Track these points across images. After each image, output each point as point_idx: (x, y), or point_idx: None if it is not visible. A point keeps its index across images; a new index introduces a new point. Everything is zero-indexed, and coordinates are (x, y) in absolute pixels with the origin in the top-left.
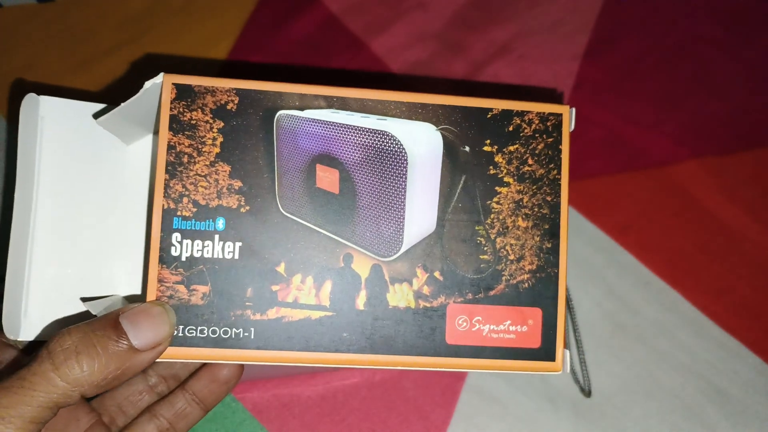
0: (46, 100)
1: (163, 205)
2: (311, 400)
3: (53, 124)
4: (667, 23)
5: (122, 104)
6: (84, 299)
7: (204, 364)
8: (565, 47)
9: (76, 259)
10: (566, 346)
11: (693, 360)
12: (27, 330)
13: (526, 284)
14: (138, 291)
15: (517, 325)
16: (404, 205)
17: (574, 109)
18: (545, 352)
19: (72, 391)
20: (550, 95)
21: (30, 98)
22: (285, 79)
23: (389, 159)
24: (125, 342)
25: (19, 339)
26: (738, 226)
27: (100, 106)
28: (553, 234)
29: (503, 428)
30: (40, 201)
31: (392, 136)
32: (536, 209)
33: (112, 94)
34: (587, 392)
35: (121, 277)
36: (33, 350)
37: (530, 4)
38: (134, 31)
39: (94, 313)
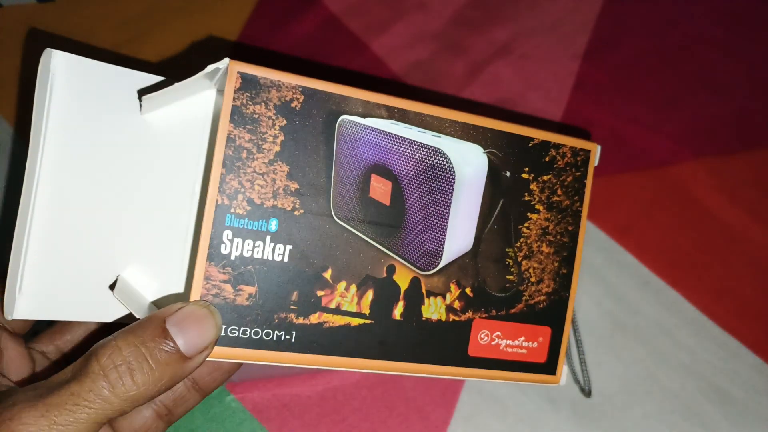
0: (58, 55)
1: (217, 200)
2: (311, 399)
3: (64, 84)
4: (668, 23)
5: (176, 84)
6: (112, 287)
7: None
8: (565, 47)
9: (78, 234)
10: (564, 362)
11: (693, 360)
12: (21, 308)
13: (542, 305)
14: (143, 270)
15: (529, 342)
16: (447, 221)
17: (600, 147)
18: (549, 367)
19: (127, 406)
20: (577, 132)
21: (47, 54)
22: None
23: (439, 175)
24: (175, 351)
25: (12, 317)
26: (738, 226)
27: (119, 69)
28: (569, 261)
29: (503, 428)
30: (43, 169)
31: (444, 153)
32: (559, 237)
33: (123, 57)
34: (587, 392)
35: (125, 256)
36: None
37: (530, 4)
38: (134, 31)
39: (130, 309)
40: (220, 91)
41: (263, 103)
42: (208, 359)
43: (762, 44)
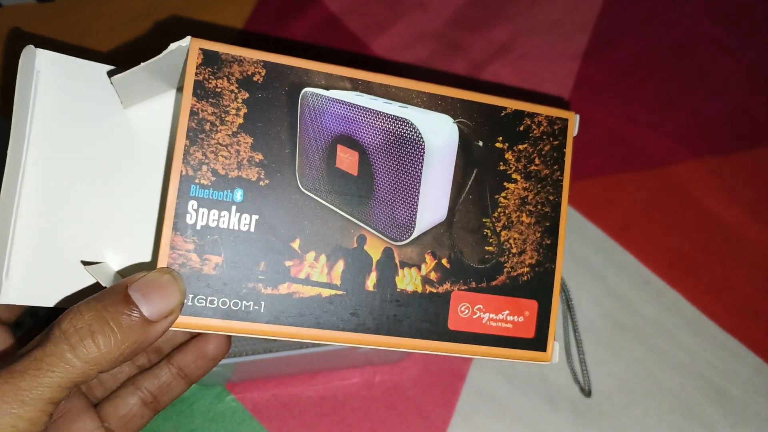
0: (43, 53)
1: (182, 171)
2: (311, 399)
3: (49, 81)
4: (667, 23)
5: (142, 64)
6: (85, 263)
7: (191, 339)
8: (565, 47)
9: (63, 223)
10: (554, 338)
11: (692, 359)
12: (7, 293)
13: (525, 277)
14: (129, 256)
15: (514, 315)
16: (419, 192)
17: (578, 116)
18: (538, 343)
19: (90, 369)
20: (557, 102)
21: (28, 51)
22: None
23: (408, 146)
24: (137, 315)
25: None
26: (738, 225)
27: (102, 66)
28: (553, 231)
29: (503, 428)
30: (29, 160)
31: (412, 124)
32: (539, 207)
33: (120, 57)
34: (587, 392)
35: (108, 243)
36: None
37: (530, 3)
38: (133, 31)
39: (97, 278)
40: (180, 89)
41: (225, 78)
42: (189, 332)
43: (761, 44)
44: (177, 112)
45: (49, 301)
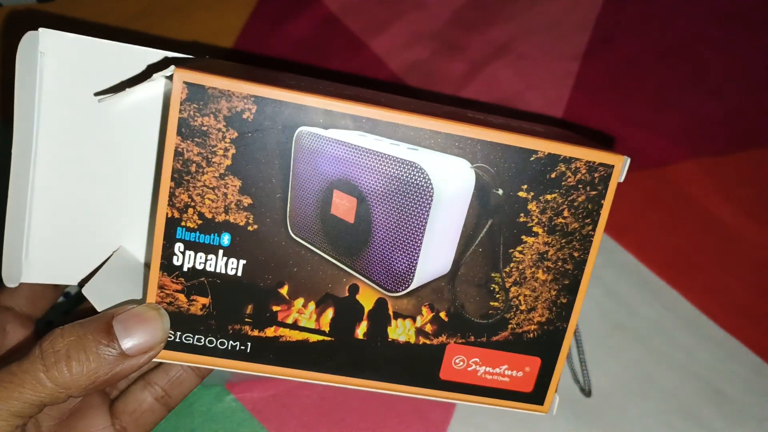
0: (47, 34)
1: (167, 213)
2: (311, 399)
3: (55, 61)
4: (666, 23)
5: (126, 90)
6: (81, 283)
7: None
8: (564, 47)
9: (78, 206)
10: (556, 390)
11: (691, 359)
12: (29, 273)
13: (532, 334)
14: (141, 242)
15: (513, 370)
16: (421, 242)
17: (628, 159)
18: (535, 397)
19: (60, 392)
20: (601, 138)
21: (30, 36)
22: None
23: (413, 193)
24: (115, 348)
25: (20, 282)
26: (736, 225)
27: (108, 42)
28: (571, 290)
29: (502, 428)
30: (40, 145)
31: (421, 168)
32: (560, 263)
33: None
34: (587, 392)
35: (124, 227)
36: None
37: (529, 3)
38: (132, 31)
39: (91, 301)
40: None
41: (212, 115)
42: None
43: (759, 44)
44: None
45: (67, 279)
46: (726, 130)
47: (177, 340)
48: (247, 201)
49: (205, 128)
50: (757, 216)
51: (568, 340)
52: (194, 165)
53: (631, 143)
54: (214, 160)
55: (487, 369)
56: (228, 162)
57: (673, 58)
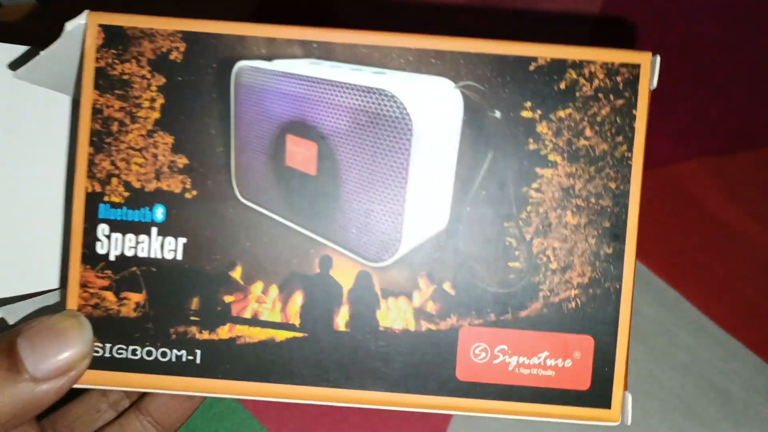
0: None
1: (87, 187)
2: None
3: None
4: (668, 22)
5: (41, 53)
6: (1, 302)
7: None
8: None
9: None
10: (627, 388)
11: (693, 359)
12: None
13: (573, 303)
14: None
15: (557, 359)
16: (405, 191)
17: (658, 57)
18: (597, 397)
19: None
20: (620, 35)
21: None
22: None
23: (387, 129)
24: (22, 373)
25: None
26: (738, 226)
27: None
28: (616, 236)
29: (504, 428)
30: None
31: (392, 96)
32: (593, 200)
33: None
34: None
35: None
36: None
37: (528, 3)
38: None
39: (10, 323)
40: None
41: (134, 60)
42: (95, 387)
43: (762, 43)
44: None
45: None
46: (730, 130)
47: (107, 354)
48: (182, 161)
49: (126, 77)
50: (761, 216)
51: (628, 306)
52: (116, 123)
53: None
54: (139, 114)
55: (521, 360)
56: (156, 115)
57: (676, 57)
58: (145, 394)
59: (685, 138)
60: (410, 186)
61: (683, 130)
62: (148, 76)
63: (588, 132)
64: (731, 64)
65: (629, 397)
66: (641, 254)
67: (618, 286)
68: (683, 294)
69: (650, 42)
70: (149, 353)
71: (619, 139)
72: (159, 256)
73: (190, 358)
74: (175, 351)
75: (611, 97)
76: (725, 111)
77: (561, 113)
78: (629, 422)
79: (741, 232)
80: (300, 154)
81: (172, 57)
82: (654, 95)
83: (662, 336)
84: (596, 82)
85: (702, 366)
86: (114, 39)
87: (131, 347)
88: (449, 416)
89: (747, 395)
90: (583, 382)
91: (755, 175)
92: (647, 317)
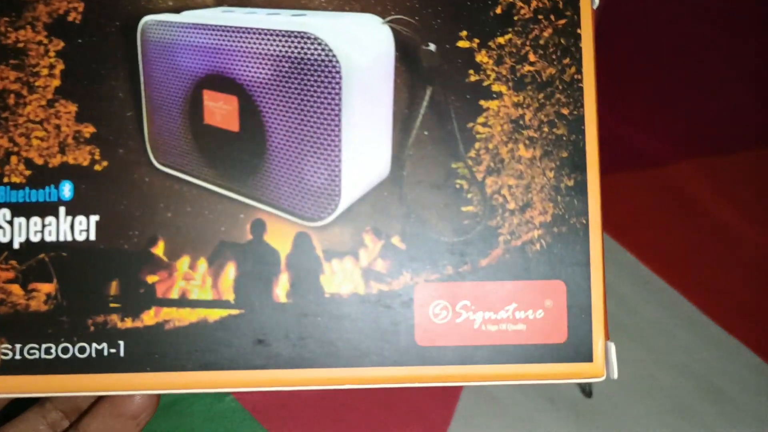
0: None
1: None
2: (311, 399)
3: None
4: (664, 22)
5: None
6: None
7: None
8: None
9: None
10: (608, 336)
11: (692, 359)
12: None
13: (538, 245)
14: None
15: (527, 310)
16: (339, 140)
17: None
18: (576, 349)
19: None
20: None
21: None
22: None
23: (313, 74)
24: None
25: None
26: (735, 226)
27: None
28: (576, 165)
29: (504, 428)
30: None
31: (315, 38)
32: (546, 129)
33: None
34: (588, 392)
35: None
36: None
37: None
38: None
39: None
40: None
41: (29, 26)
42: None
43: (758, 44)
44: None
45: None
46: (726, 130)
47: (17, 356)
48: (88, 130)
49: (21, 45)
50: (757, 216)
51: (599, 242)
52: (12, 96)
53: (630, 143)
54: (37, 83)
55: (487, 315)
56: (56, 82)
57: (672, 57)
58: (85, 412)
59: (682, 138)
60: (344, 134)
61: (679, 130)
62: (45, 41)
63: (532, 57)
64: (727, 64)
65: (612, 347)
66: (641, 254)
67: (585, 221)
68: (683, 293)
69: (645, 42)
70: (65, 350)
71: (567, 61)
72: (69, 238)
73: (113, 351)
74: (94, 345)
75: (552, 17)
76: (722, 111)
77: (500, 40)
78: (615, 375)
79: (738, 232)
80: (219, 110)
81: (70, 18)
82: (650, 95)
83: (661, 336)
84: (534, 3)
85: (701, 366)
86: (6, 5)
87: (44, 345)
88: (450, 416)
89: (746, 395)
90: (558, 333)
91: (752, 176)
92: (646, 317)
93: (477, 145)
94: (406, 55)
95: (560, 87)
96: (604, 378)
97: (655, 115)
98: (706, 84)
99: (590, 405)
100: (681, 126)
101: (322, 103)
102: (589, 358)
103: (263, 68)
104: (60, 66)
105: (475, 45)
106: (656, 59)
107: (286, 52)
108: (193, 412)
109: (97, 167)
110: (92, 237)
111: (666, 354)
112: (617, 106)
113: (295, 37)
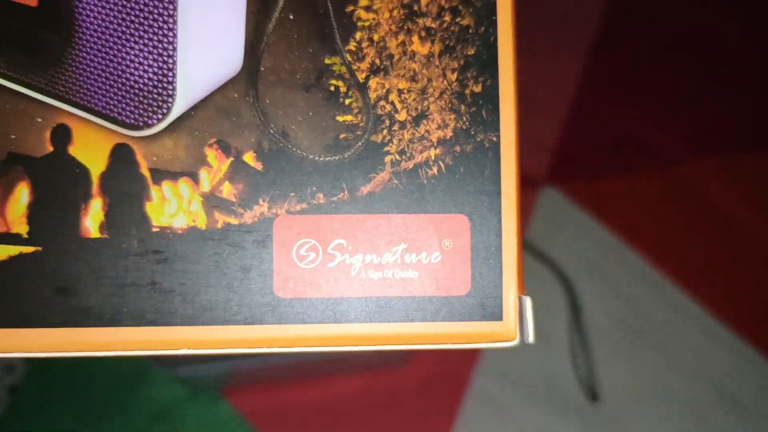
0: None
1: None
2: (310, 406)
3: None
4: (677, 16)
5: None
6: None
7: None
8: (570, 41)
9: None
10: (524, 291)
11: (704, 365)
12: None
13: (435, 168)
14: None
15: (420, 252)
16: (174, 19)
17: None
18: (482, 304)
19: None
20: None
21: None
22: None
23: None
24: None
25: None
26: (751, 227)
27: None
28: (486, 65)
29: (504, 428)
30: None
31: None
32: (448, 18)
33: None
34: (593, 396)
35: None
36: None
37: None
38: None
39: None
40: None
41: None
42: None
43: None
44: None
45: None
46: (742, 128)
47: None
48: None
49: None
50: None
51: (513, 166)
52: None
53: (644, 141)
54: None
55: (368, 259)
56: None
57: (687, 53)
58: None
59: (696, 136)
60: (181, 11)
61: (694, 128)
62: None
63: None
64: (744, 61)
65: (528, 302)
66: (653, 257)
67: (495, 139)
68: (694, 298)
69: (661, 43)
70: None
71: None
72: None
73: None
74: None
75: None
76: (737, 108)
77: None
78: (531, 338)
79: (754, 233)
80: None
81: None
82: (664, 93)
83: (673, 340)
84: None
85: (713, 371)
86: None
87: None
88: (451, 423)
89: (758, 401)
90: (459, 284)
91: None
92: (657, 321)
93: (358, 35)
94: None
95: None
96: (516, 342)
97: (670, 112)
98: (723, 80)
99: (597, 410)
100: (696, 123)
101: None
102: (498, 315)
103: None
104: None
105: None
106: (672, 54)
107: None
108: (185, 419)
109: None
110: None
111: (677, 359)
112: (630, 103)
113: None
